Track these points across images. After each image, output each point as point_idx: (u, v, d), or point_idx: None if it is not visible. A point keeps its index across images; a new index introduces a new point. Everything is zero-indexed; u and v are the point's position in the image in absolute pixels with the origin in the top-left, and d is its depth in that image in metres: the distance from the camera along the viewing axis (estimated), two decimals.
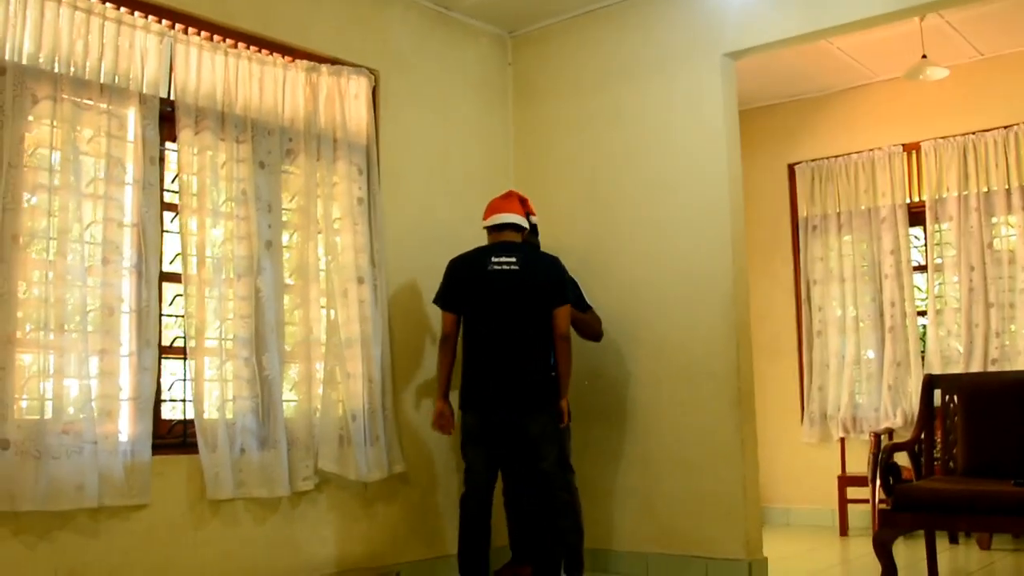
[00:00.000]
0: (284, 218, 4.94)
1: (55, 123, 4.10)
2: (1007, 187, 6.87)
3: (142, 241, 4.34)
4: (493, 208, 5.07)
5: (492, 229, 5.02)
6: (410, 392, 5.42)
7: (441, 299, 4.96)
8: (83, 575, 4.03)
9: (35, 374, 3.97)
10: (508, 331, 4.79)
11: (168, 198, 4.61)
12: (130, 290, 4.30)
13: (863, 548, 6.17)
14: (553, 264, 4.98)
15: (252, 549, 4.62)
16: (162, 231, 4.52)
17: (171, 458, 4.38)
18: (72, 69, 4.18)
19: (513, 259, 4.84)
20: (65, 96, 4.13)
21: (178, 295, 4.59)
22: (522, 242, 5.02)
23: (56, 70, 4.13)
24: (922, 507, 4.66)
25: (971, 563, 5.71)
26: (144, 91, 4.41)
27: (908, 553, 5.96)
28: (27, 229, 4.00)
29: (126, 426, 4.21)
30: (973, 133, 7.02)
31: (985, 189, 6.96)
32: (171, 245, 4.62)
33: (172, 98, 4.59)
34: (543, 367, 4.85)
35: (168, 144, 4.62)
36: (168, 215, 4.61)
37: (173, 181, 4.62)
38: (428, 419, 5.44)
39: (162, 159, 4.54)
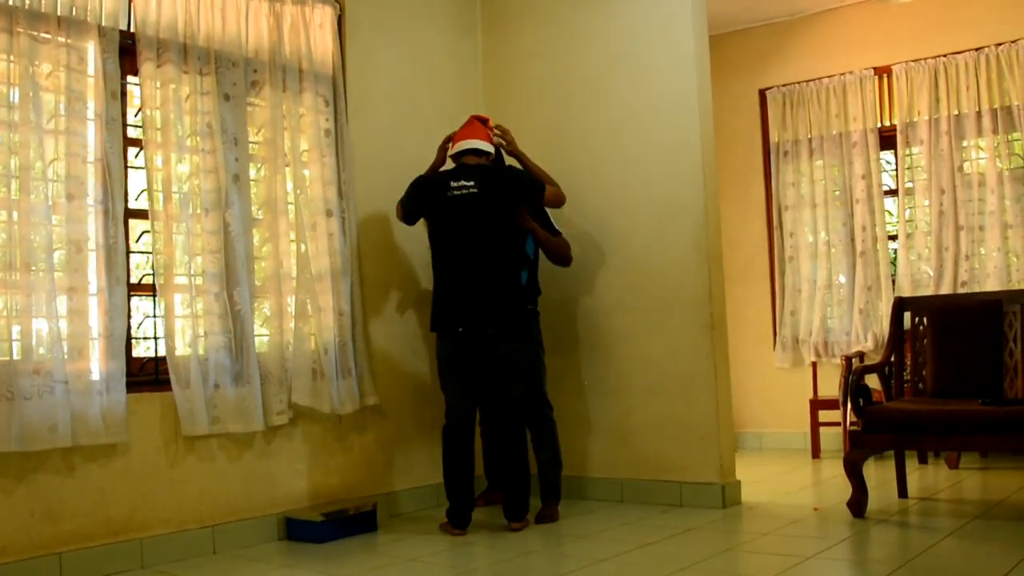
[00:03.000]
0: (251, 151, 4.88)
1: (12, 58, 4.01)
2: (977, 110, 6.87)
3: (107, 177, 4.27)
4: (457, 137, 5.12)
5: (455, 158, 5.08)
6: (382, 324, 5.41)
7: (403, 208, 5.11)
8: (60, 515, 4.04)
9: (3, 315, 3.92)
10: (474, 254, 4.84)
11: (132, 133, 4.54)
12: (96, 227, 4.24)
13: (835, 470, 6.27)
14: (507, 171, 5.09)
15: (228, 484, 4.64)
16: (126, 167, 4.45)
17: (144, 396, 4.37)
18: (27, 1, 4.07)
19: (472, 182, 4.88)
20: (21, 30, 4.03)
21: (145, 232, 4.54)
22: (481, 164, 5.01)
23: (11, 2, 4.01)
24: (892, 428, 4.74)
25: (940, 482, 5.81)
26: (103, 23, 4.31)
27: (878, 473, 6.07)
28: None
29: (98, 365, 4.19)
30: (944, 56, 7.00)
31: (956, 112, 6.96)
32: (136, 181, 4.55)
33: (132, 30, 4.49)
34: (513, 290, 4.91)
35: (130, 78, 4.53)
36: (132, 150, 4.54)
37: (136, 115, 4.54)
38: (402, 351, 5.48)
39: (124, 93, 4.46)
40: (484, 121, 5.21)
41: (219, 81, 4.72)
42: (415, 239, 5.51)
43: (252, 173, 4.89)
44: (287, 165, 4.98)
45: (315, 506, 4.91)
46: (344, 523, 4.82)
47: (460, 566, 4.26)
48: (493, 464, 5.61)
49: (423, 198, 4.98)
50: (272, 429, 4.80)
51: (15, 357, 3.92)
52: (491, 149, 5.09)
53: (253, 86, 4.92)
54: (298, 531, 4.78)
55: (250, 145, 4.87)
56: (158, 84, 4.51)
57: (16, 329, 3.94)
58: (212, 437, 4.57)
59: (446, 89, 6.00)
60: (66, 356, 4.05)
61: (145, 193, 4.48)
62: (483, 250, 4.84)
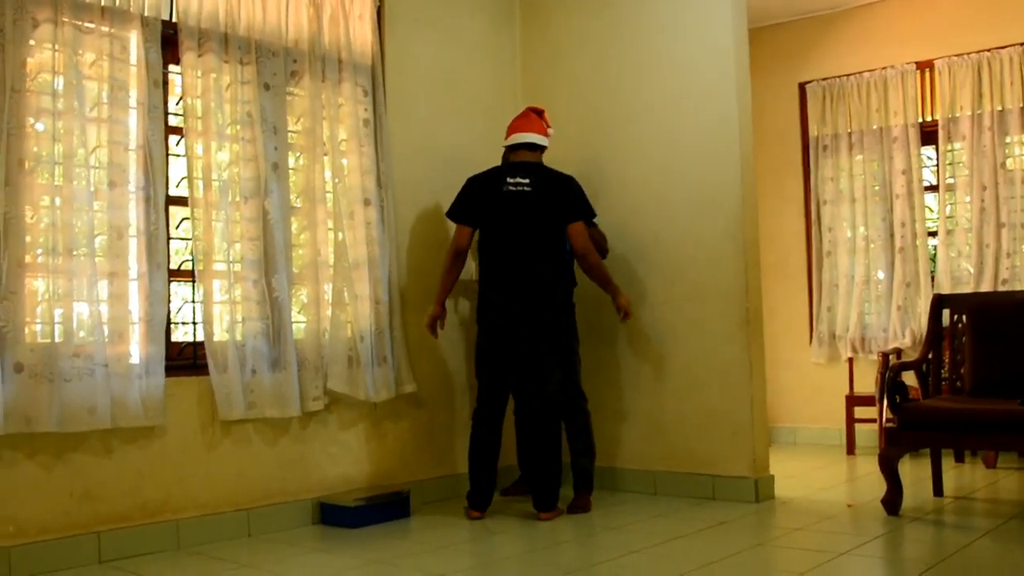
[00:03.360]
0: (290, 140, 4.92)
1: (57, 47, 4.07)
2: (1021, 106, 6.78)
3: (148, 164, 4.33)
4: (512, 128, 5.24)
5: (509, 149, 5.21)
6: (418, 313, 5.43)
7: (454, 212, 5.15)
8: (98, 495, 4.11)
9: (46, 298, 4.00)
10: (521, 252, 4.96)
11: (173, 121, 4.60)
12: (138, 214, 4.31)
13: (869, 467, 6.24)
14: (566, 182, 5.09)
15: (264, 469, 4.69)
16: (167, 155, 4.51)
17: (181, 380, 4.43)
18: None
19: (527, 180, 5.01)
20: (66, 19, 4.09)
21: (185, 218, 4.60)
22: (537, 163, 5.14)
23: None
24: (928, 426, 4.70)
25: (976, 481, 5.76)
26: (146, 13, 4.37)
27: (914, 471, 6.02)
28: (32, 154, 3.99)
29: (137, 348, 4.25)
30: (988, 51, 6.91)
31: (999, 108, 6.87)
32: (177, 169, 4.61)
33: (174, 20, 4.55)
34: (554, 288, 5.00)
35: (171, 67, 4.59)
36: (173, 138, 4.60)
37: (177, 104, 4.60)
38: (438, 340, 5.50)
39: (166, 82, 4.52)
40: (540, 113, 5.27)
41: (259, 71, 4.76)
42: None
43: (291, 162, 4.93)
44: (326, 154, 5.02)
45: (349, 491, 4.96)
46: (377, 509, 4.87)
47: (491, 554, 4.29)
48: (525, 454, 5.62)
49: (478, 194, 5.05)
50: (308, 415, 4.85)
51: (56, 340, 3.98)
52: (546, 143, 5.20)
53: (293, 76, 4.96)
54: (332, 516, 4.83)
55: (289, 134, 4.91)
56: (199, 73, 4.56)
57: (58, 312, 4.01)
58: (248, 422, 4.63)
59: (484, 79, 6.02)
60: (106, 340, 4.12)
61: (185, 180, 4.54)
62: (530, 251, 4.95)
